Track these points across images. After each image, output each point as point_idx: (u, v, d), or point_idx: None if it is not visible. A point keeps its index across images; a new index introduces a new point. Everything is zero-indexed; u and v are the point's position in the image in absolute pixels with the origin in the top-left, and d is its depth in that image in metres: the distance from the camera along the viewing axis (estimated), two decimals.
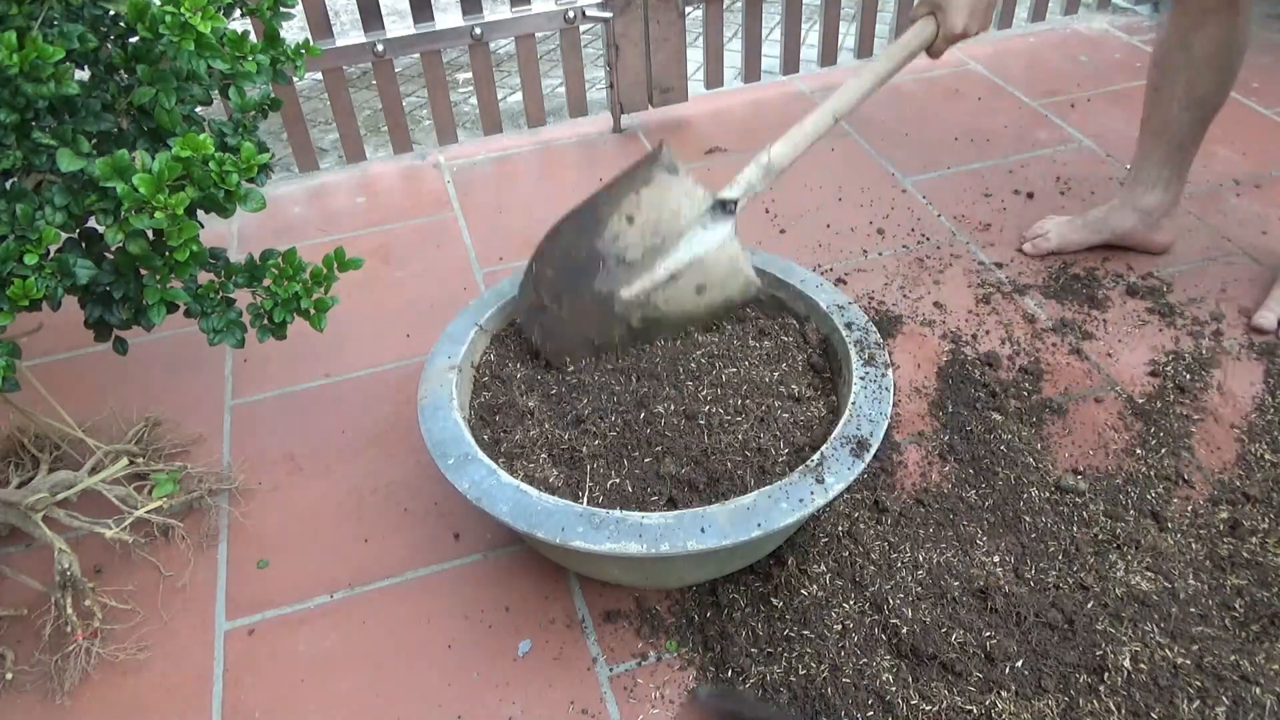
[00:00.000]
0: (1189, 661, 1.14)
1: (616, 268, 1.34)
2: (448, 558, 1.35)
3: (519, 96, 2.51)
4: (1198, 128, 1.66)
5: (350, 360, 1.70)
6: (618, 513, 1.09)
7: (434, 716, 1.16)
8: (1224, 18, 1.52)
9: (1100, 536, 1.31)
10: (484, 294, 1.45)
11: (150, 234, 1.15)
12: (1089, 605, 1.21)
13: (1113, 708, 1.10)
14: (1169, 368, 1.57)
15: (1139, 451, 1.44)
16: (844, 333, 1.33)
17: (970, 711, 1.10)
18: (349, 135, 2.25)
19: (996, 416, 1.50)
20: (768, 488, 1.11)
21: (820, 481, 1.11)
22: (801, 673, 1.15)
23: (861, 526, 1.31)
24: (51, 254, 1.13)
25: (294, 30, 2.70)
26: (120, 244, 1.09)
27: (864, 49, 2.60)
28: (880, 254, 1.88)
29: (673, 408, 1.27)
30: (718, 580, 1.27)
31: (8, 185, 1.13)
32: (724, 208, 1.37)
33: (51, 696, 1.20)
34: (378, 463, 1.50)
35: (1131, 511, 1.34)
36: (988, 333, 1.68)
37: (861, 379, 1.25)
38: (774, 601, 1.23)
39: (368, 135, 2.63)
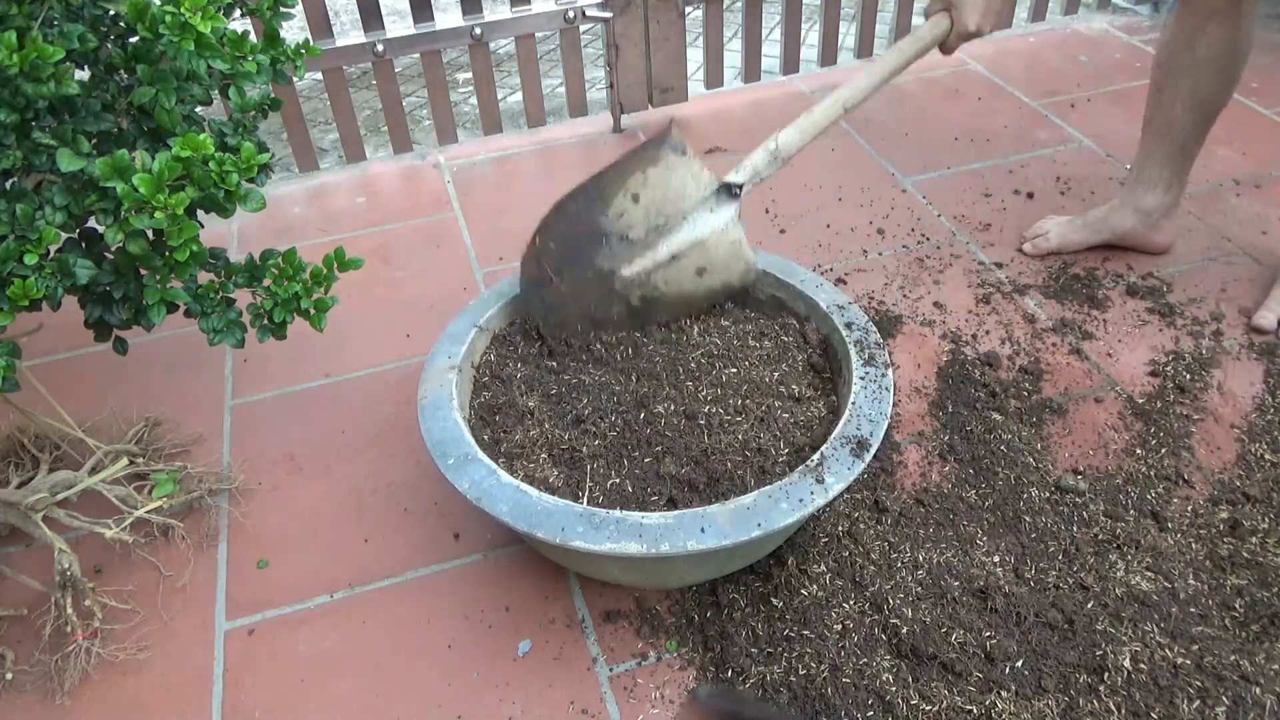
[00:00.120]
0: (1189, 661, 1.14)
1: (619, 245, 1.35)
2: (448, 558, 1.35)
3: (519, 96, 2.51)
4: (1200, 129, 1.66)
5: (350, 360, 1.70)
6: (618, 513, 1.09)
7: (434, 716, 1.16)
8: (1229, 19, 1.52)
9: (1100, 536, 1.31)
10: (484, 294, 1.45)
11: (150, 234, 1.15)
12: (1089, 605, 1.21)
13: (1113, 708, 1.10)
14: (1169, 368, 1.58)
15: (1139, 451, 1.44)
16: (844, 333, 1.33)
17: (970, 711, 1.10)
18: (349, 135, 2.25)
19: (996, 416, 1.50)
20: (768, 488, 1.11)
21: (820, 481, 1.11)
22: (801, 673, 1.15)
23: (861, 526, 1.31)
24: (51, 254, 1.13)
25: (294, 30, 2.70)
26: (120, 244, 1.09)
27: (864, 49, 2.60)
28: (880, 254, 1.88)
29: (673, 408, 1.27)
30: (718, 580, 1.27)
31: (8, 185, 1.13)
32: (729, 191, 1.37)
33: (51, 696, 1.20)
34: (378, 463, 1.50)
35: (1131, 511, 1.34)
36: (988, 333, 1.68)
37: (861, 379, 1.25)
38: (774, 601, 1.23)
39: (368, 135, 2.63)
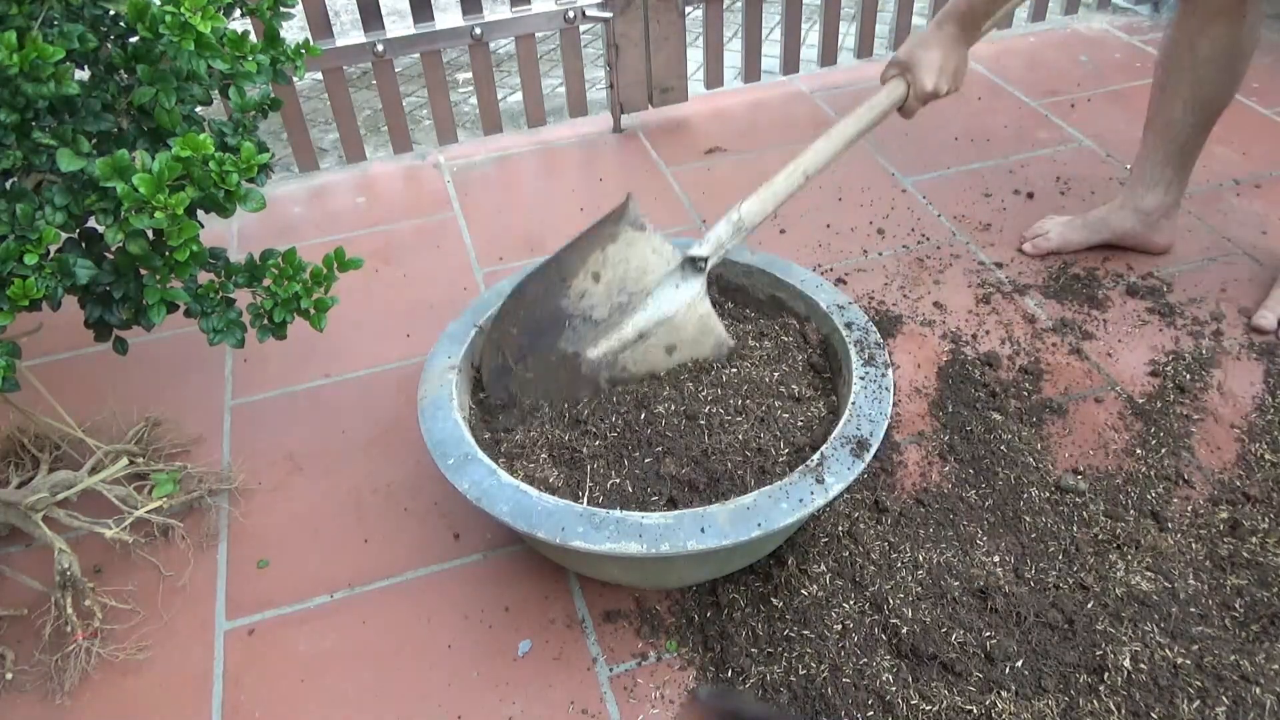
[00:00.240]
0: (1189, 661, 1.14)
1: (583, 326, 1.31)
2: (448, 558, 1.35)
3: (519, 96, 2.51)
4: (1201, 129, 1.66)
5: (350, 360, 1.70)
6: (618, 513, 1.09)
7: (434, 716, 1.16)
8: (1232, 20, 1.51)
9: (1100, 536, 1.31)
10: (484, 294, 1.45)
11: (150, 234, 1.14)
12: (1089, 605, 1.21)
13: (1113, 708, 1.10)
14: (1169, 368, 1.58)
15: (1139, 451, 1.44)
16: (844, 333, 1.33)
17: (970, 711, 1.10)
18: (349, 135, 2.25)
19: (996, 416, 1.50)
20: (768, 488, 1.11)
21: (820, 481, 1.11)
22: (801, 673, 1.15)
23: (861, 526, 1.31)
24: (51, 254, 1.13)
25: (294, 30, 2.70)
26: (120, 244, 1.09)
27: (864, 49, 2.60)
28: (880, 254, 1.88)
29: (673, 408, 1.27)
30: (718, 580, 1.27)
31: (8, 185, 1.13)
32: (694, 265, 1.35)
33: (51, 696, 1.20)
34: (378, 463, 1.50)
35: (1131, 511, 1.34)
36: (988, 333, 1.68)
37: (861, 379, 1.25)
38: (774, 601, 1.23)
39: (368, 135, 2.63)
